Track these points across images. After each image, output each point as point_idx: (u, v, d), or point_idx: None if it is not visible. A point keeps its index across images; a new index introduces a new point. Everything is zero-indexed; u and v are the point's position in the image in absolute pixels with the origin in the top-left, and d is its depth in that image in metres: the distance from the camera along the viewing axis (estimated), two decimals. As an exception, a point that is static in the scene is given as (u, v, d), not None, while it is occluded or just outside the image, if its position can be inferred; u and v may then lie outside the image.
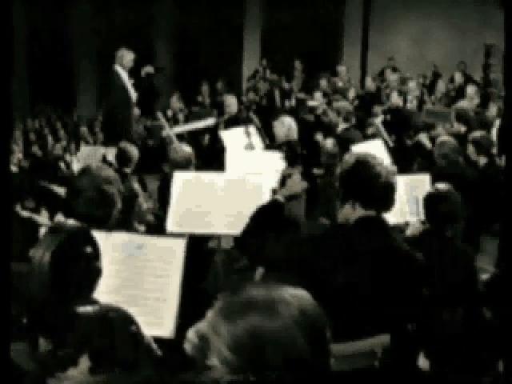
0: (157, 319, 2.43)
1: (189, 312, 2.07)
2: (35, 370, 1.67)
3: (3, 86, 1.95)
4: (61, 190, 4.60)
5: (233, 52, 13.99)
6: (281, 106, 10.32)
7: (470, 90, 8.59)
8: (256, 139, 5.82)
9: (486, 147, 5.50)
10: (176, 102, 10.48)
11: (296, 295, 1.27)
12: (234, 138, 5.73)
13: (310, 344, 1.22)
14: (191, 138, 7.71)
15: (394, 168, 2.65)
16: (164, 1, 14.41)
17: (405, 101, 9.28)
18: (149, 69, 7.38)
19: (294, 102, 10.54)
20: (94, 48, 14.16)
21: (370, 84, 10.71)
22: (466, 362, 3.12)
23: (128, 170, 5.29)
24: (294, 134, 5.96)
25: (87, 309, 1.64)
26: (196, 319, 1.29)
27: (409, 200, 4.15)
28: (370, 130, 7.78)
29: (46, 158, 10.66)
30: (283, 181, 2.74)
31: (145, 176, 6.33)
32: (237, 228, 2.72)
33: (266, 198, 3.46)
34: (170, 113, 10.22)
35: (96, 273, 2.02)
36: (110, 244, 2.52)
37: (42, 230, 2.88)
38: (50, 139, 11.93)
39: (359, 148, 4.99)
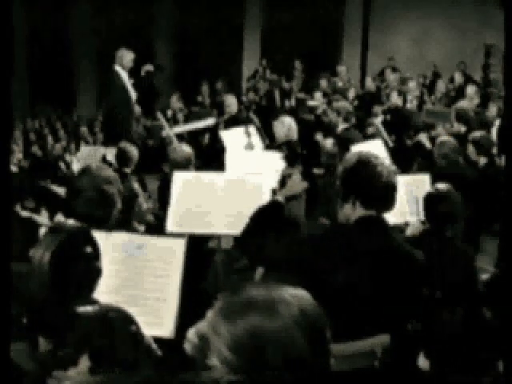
0: (157, 319, 2.43)
1: (189, 312, 2.07)
2: (35, 370, 1.67)
3: (3, 86, 1.95)
4: (61, 190, 4.60)
5: (233, 52, 13.99)
6: (281, 106, 10.33)
7: (470, 89, 8.59)
8: (256, 139, 5.82)
9: (486, 147, 5.50)
10: (176, 102, 10.48)
11: (296, 295, 1.27)
12: (234, 138, 5.73)
13: (310, 344, 1.22)
14: (191, 137, 7.71)
15: (395, 168, 2.65)
16: (164, 1, 14.41)
17: (405, 101, 9.29)
18: (149, 67, 7.38)
19: (294, 101, 10.55)
20: (94, 48, 14.16)
21: (369, 84, 10.71)
22: (465, 362, 3.12)
23: (128, 170, 5.30)
24: (294, 134, 5.96)
25: (87, 309, 1.64)
26: (196, 319, 1.29)
27: (409, 200, 4.15)
28: (369, 130, 7.78)
29: (46, 158, 10.66)
30: (283, 181, 2.74)
31: (145, 176, 6.33)
32: (237, 228, 2.72)
33: (266, 198, 3.47)
34: (169, 113, 10.21)
35: (96, 273, 2.02)
36: (109, 244, 2.52)
37: (42, 230, 2.88)
38: (49, 139, 11.94)
39: (359, 148, 4.99)
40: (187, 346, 1.26)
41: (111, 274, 2.44)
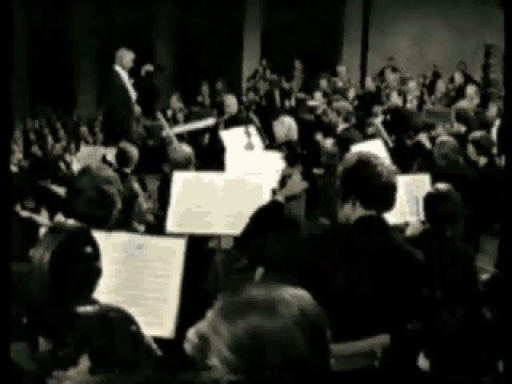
0: (157, 319, 2.43)
1: (189, 312, 2.07)
2: (35, 370, 1.67)
3: (3, 86, 1.95)
4: (61, 190, 4.60)
5: (233, 52, 13.99)
6: (281, 106, 10.32)
7: (470, 90, 8.59)
8: (256, 139, 5.82)
9: (486, 147, 5.50)
10: (176, 102, 10.48)
11: (296, 295, 1.27)
12: (234, 138, 5.73)
13: (310, 344, 1.22)
14: (191, 137, 7.71)
15: (395, 168, 2.65)
16: (164, 1, 14.41)
17: (405, 101, 9.29)
18: (149, 67, 7.38)
19: (294, 101, 10.55)
20: (94, 48, 14.16)
21: (369, 84, 10.72)
22: (465, 362, 3.12)
23: (128, 170, 5.30)
24: (294, 134, 5.96)
25: (87, 309, 1.64)
26: (196, 319, 1.29)
27: (409, 200, 4.15)
28: (369, 130, 7.78)
29: (46, 158, 10.66)
30: (283, 181, 2.74)
31: (145, 176, 6.33)
32: (237, 228, 2.72)
33: (266, 198, 3.47)
34: (169, 113, 10.21)
35: (96, 273, 2.02)
36: (110, 244, 2.52)
37: (42, 230, 2.88)
38: (49, 139, 11.94)
39: (359, 148, 4.99)
40: (187, 346, 1.26)
41: (111, 273, 2.44)
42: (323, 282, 2.26)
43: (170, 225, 3.68)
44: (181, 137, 7.60)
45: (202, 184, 3.78)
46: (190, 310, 2.20)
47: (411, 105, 9.31)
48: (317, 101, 9.30)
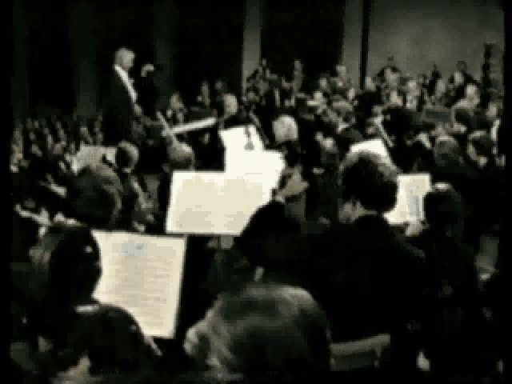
0: (157, 319, 2.43)
1: (189, 312, 2.07)
2: (35, 370, 1.67)
3: (3, 86, 1.95)
4: (61, 190, 4.60)
5: (233, 52, 13.99)
6: (281, 106, 10.32)
7: (470, 90, 8.59)
8: (256, 139, 5.82)
9: (486, 147, 5.50)
10: (176, 102, 10.48)
11: (296, 295, 1.27)
12: (233, 138, 5.73)
13: (310, 344, 1.22)
14: (191, 137, 7.71)
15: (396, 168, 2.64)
16: (164, 1, 14.42)
17: (405, 101, 9.28)
18: (149, 67, 7.38)
19: (294, 101, 10.54)
20: (94, 48, 14.16)
21: (369, 84, 10.72)
22: (465, 362, 3.12)
23: (128, 170, 5.29)
24: (294, 134, 5.96)
25: (87, 309, 1.64)
26: (196, 319, 1.29)
27: (409, 200, 4.15)
28: (369, 130, 7.78)
29: (46, 158, 10.66)
30: (283, 181, 2.74)
31: (145, 176, 6.33)
32: (237, 228, 2.72)
33: (266, 198, 3.47)
34: (169, 113, 10.22)
35: (96, 273, 2.02)
36: (110, 244, 2.52)
37: (42, 230, 2.88)
38: (49, 139, 11.94)
39: (359, 148, 4.99)
40: (187, 346, 1.26)
41: (111, 273, 2.44)
42: (323, 281, 2.26)
43: (170, 225, 3.68)
44: (181, 137, 7.60)
45: (202, 184, 3.78)
46: (190, 310, 2.20)
47: (411, 105, 9.31)
48: (317, 101, 9.30)
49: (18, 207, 3.65)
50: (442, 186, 3.56)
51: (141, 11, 14.10)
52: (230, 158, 4.72)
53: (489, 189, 5.01)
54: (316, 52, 13.16)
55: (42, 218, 3.59)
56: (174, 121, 9.72)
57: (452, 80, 10.49)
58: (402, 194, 3.33)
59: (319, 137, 7.44)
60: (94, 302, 1.91)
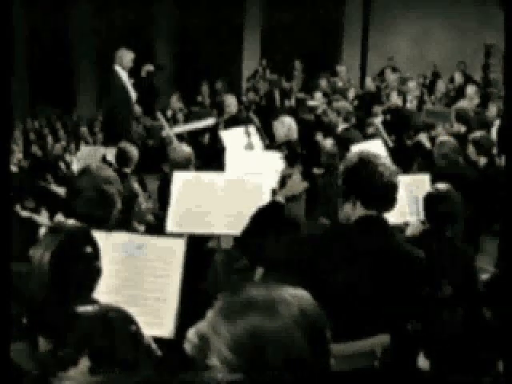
0: (157, 319, 2.43)
1: (189, 312, 2.07)
2: (35, 370, 1.67)
3: (3, 86, 1.95)
4: (61, 190, 4.60)
5: (233, 52, 13.99)
6: (281, 106, 10.32)
7: (470, 90, 8.59)
8: (256, 139, 5.82)
9: (486, 147, 5.50)
10: (176, 102, 10.49)
11: (296, 295, 1.27)
12: (233, 138, 5.73)
13: (310, 344, 1.21)
14: (191, 137, 7.71)
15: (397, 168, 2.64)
16: (164, 1, 14.41)
17: (404, 101, 9.28)
18: (149, 67, 7.38)
19: (294, 101, 10.54)
20: (94, 48, 14.16)
21: (369, 84, 10.72)
22: (465, 362, 3.12)
23: (128, 170, 5.29)
24: (294, 134, 5.96)
25: (87, 309, 1.64)
26: (196, 319, 1.29)
27: (409, 200, 4.14)
28: (369, 130, 7.78)
29: (46, 158, 10.66)
30: (283, 181, 2.74)
31: (145, 176, 6.33)
32: (237, 228, 2.72)
33: (266, 197, 3.47)
34: (169, 113, 10.22)
35: (96, 273, 2.02)
36: (110, 244, 2.52)
37: (42, 230, 2.88)
38: (49, 139, 11.93)
39: (359, 148, 4.99)
40: (187, 346, 1.26)
41: (111, 273, 2.44)
42: (323, 281, 2.26)
43: (170, 225, 3.68)
44: (181, 137, 7.60)
45: (202, 184, 3.78)
46: (190, 310, 2.20)
47: (411, 105, 9.31)
48: (317, 101, 9.30)
49: (18, 207, 3.65)
50: (442, 185, 3.56)
51: (141, 11, 14.10)
52: (230, 158, 4.72)
53: (489, 189, 5.01)
54: (316, 52, 13.16)
55: (42, 218, 3.59)
56: (174, 121, 9.72)
57: (452, 80, 10.49)
58: (401, 194, 3.34)
59: (319, 137, 7.44)
60: (94, 301, 1.90)
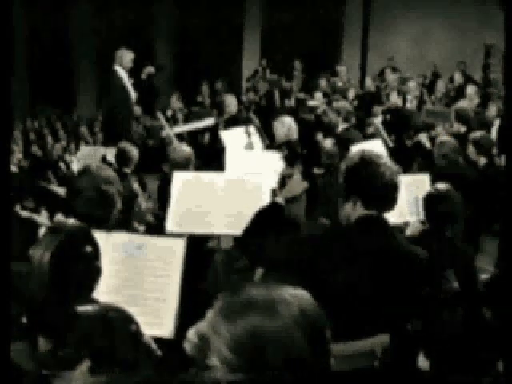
0: (157, 319, 2.43)
1: (189, 312, 2.07)
2: (35, 370, 1.67)
3: (3, 86, 1.96)
4: (61, 190, 4.60)
5: (233, 52, 13.99)
6: (281, 106, 10.32)
7: (470, 90, 8.59)
8: (256, 139, 5.82)
9: (486, 147, 5.50)
10: (176, 102, 10.48)
11: (296, 295, 1.27)
12: (233, 138, 5.73)
13: (310, 344, 1.21)
14: (191, 137, 7.71)
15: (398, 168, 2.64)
16: (164, 1, 14.41)
17: (404, 101, 9.29)
18: (150, 69, 7.38)
19: (294, 101, 10.54)
20: (94, 48, 14.16)
21: (369, 84, 10.72)
22: (466, 362, 3.12)
23: (128, 170, 5.29)
24: (294, 134, 5.96)
25: (87, 309, 1.64)
26: (196, 319, 1.29)
27: (409, 200, 4.14)
28: (369, 130, 7.78)
29: (46, 158, 10.66)
30: (283, 181, 2.74)
31: (145, 176, 6.33)
32: (237, 228, 2.72)
33: (266, 198, 3.47)
34: (169, 113, 10.22)
35: (96, 273, 2.02)
36: (110, 244, 2.52)
37: (42, 230, 2.88)
38: (49, 139, 11.93)
39: (359, 148, 4.98)
40: (187, 346, 1.26)
41: (111, 274, 2.44)
42: (323, 281, 2.26)
43: (170, 225, 3.67)
44: (181, 137, 7.60)
45: (202, 184, 3.78)
46: (190, 310, 2.20)
47: (411, 105, 9.31)
48: (317, 101, 9.30)
49: (18, 207, 3.65)
50: (442, 185, 3.56)
51: (141, 11, 14.10)
52: (229, 158, 4.72)
53: (489, 189, 5.01)
54: (316, 52, 13.16)
55: (42, 218, 3.59)
56: (174, 121, 9.71)
57: (452, 80, 10.49)
58: (402, 194, 3.34)
59: (319, 137, 7.44)
60: (93, 301, 1.91)
